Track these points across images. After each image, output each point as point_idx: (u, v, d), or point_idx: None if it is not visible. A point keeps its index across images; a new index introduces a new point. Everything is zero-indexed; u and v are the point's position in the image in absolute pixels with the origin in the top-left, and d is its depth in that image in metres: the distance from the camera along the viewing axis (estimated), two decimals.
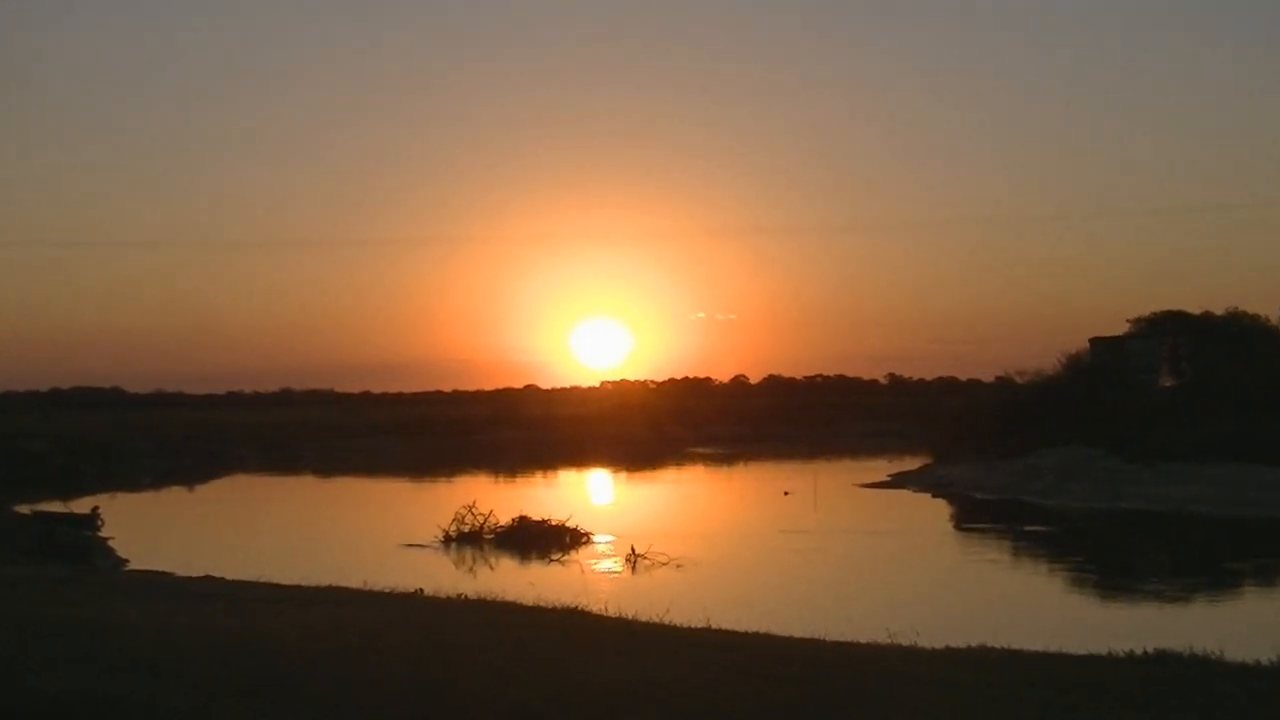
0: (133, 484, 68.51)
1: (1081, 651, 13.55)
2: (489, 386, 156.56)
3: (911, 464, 67.50)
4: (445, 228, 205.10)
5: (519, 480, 71.87)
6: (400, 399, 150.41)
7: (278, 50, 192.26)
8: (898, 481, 60.10)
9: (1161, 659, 12.31)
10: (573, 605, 17.46)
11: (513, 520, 38.64)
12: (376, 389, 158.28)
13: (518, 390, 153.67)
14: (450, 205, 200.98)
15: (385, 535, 39.94)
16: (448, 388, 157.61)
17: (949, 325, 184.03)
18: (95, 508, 41.84)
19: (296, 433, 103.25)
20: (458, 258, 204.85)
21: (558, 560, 34.33)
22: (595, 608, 17.71)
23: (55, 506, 46.44)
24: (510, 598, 18.62)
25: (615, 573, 32.00)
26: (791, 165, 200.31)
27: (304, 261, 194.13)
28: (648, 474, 76.11)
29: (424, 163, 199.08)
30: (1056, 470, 53.22)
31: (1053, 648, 14.00)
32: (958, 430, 65.61)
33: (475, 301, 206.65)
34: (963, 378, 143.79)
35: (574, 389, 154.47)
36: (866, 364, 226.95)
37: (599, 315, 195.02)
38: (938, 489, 55.29)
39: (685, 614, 17.31)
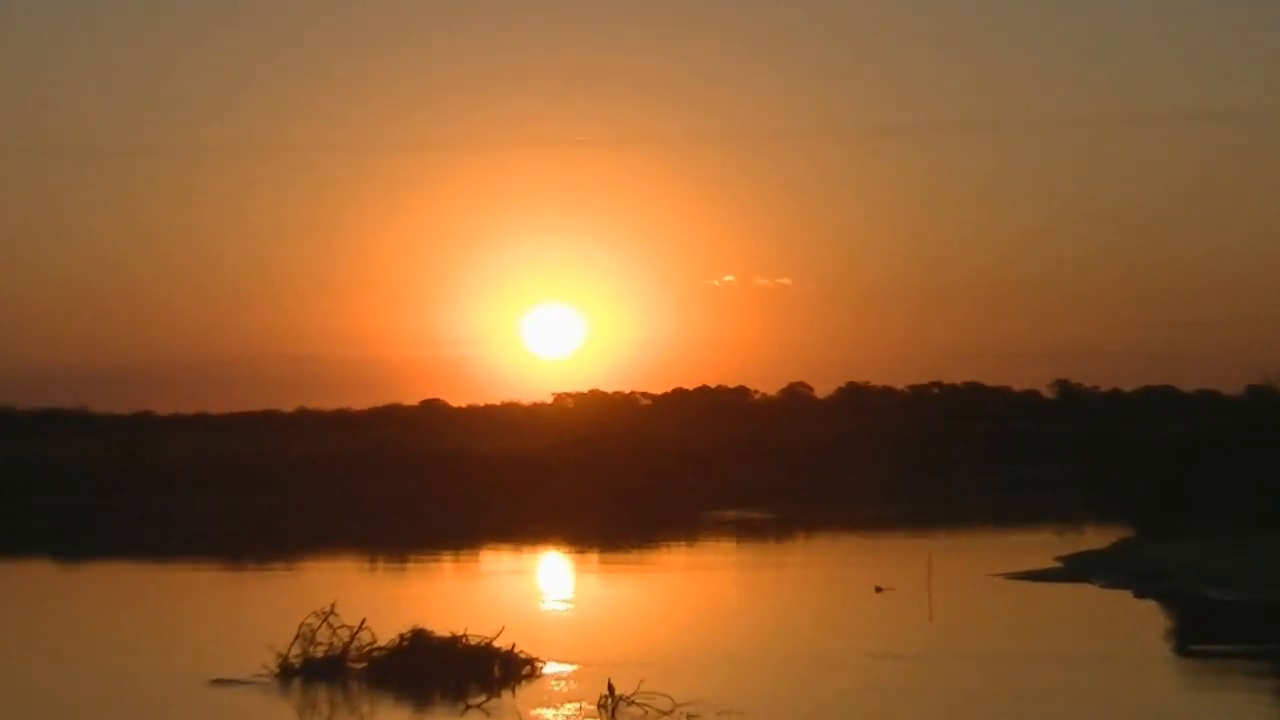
0: None
1: None
2: (361, 404, 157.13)
3: (1096, 539, 67.51)
4: (293, 129, 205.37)
5: (411, 566, 71.71)
6: (204, 424, 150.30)
7: None
8: (1073, 569, 60.18)
9: None
10: None
11: (402, 637, 38.50)
12: (163, 408, 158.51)
13: (410, 409, 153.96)
14: (302, 96, 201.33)
15: (181, 663, 39.86)
16: (289, 405, 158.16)
17: (1160, 297, 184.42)
18: None
19: (21, 483, 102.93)
20: (312, 178, 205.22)
21: (479, 706, 34.32)
22: None
23: None
24: None
25: None
26: (890, 24, 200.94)
27: (38, 181, 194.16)
28: (636, 556, 76.03)
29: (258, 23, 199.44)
30: None
31: None
32: (1177, 480, 65.49)
33: (340, 255, 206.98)
34: (1186, 388, 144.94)
35: (508, 407, 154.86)
36: (1017, 365, 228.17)
37: (557, 283, 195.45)
38: (1143, 583, 55.32)
39: None
